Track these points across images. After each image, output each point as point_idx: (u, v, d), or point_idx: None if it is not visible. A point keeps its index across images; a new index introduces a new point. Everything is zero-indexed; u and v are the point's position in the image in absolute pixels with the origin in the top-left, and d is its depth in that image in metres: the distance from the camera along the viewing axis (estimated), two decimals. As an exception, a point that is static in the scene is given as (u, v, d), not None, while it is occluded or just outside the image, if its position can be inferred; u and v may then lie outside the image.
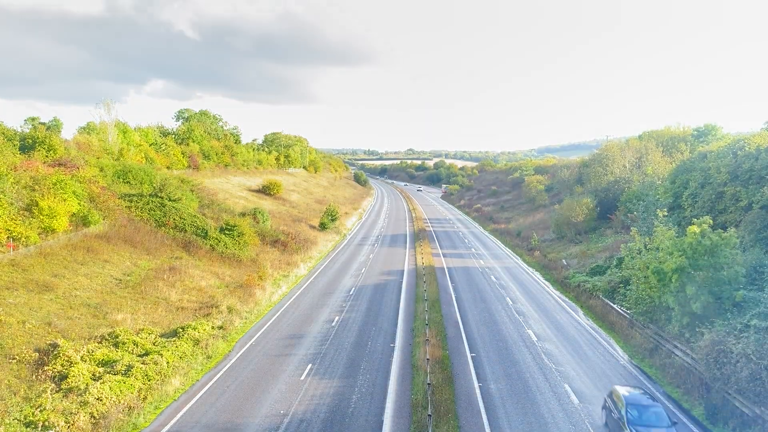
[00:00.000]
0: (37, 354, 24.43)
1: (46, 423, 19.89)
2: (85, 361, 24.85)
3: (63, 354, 24.37)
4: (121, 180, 55.50)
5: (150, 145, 78.55)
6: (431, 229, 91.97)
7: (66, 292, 31.45)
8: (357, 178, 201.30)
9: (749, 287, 27.27)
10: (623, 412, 20.79)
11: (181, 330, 30.74)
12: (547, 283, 51.10)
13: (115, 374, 24.08)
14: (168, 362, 26.26)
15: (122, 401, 22.23)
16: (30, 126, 77.54)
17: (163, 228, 48.32)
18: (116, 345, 27.41)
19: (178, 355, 27.43)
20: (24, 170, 40.37)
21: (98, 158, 57.99)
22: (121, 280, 36.32)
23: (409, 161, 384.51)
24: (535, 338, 33.62)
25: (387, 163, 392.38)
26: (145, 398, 23.26)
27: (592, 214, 69.14)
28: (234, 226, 52.62)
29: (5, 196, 34.98)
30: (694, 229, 28.64)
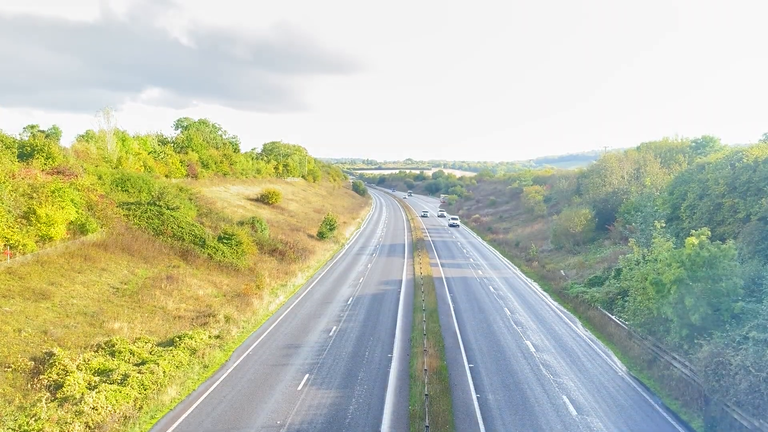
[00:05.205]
0: (33, 363, 24.28)
1: (41, 432, 19.73)
2: (81, 370, 24.71)
3: (59, 363, 24.22)
4: (120, 188, 55.45)
5: (148, 154, 78.55)
6: (429, 238, 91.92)
7: (62, 301, 31.32)
8: (356, 188, 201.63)
9: (748, 299, 27.23)
10: None
11: (177, 339, 30.60)
12: (545, 293, 51.02)
13: (111, 383, 23.94)
14: (164, 372, 26.12)
15: (118, 411, 22.09)
16: (29, 134, 77.52)
17: (160, 236, 48.23)
18: (112, 354, 27.28)
19: (174, 364, 27.29)
20: (22, 178, 40.33)
21: (97, 166, 57.95)
22: (118, 288, 36.20)
23: (407, 171, 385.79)
24: (533, 349, 33.52)
25: (386, 172, 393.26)
26: (141, 408, 23.12)
27: (591, 225, 69.17)
28: (232, 235, 52.55)
29: (3, 203, 34.91)
30: (693, 240, 28.64)
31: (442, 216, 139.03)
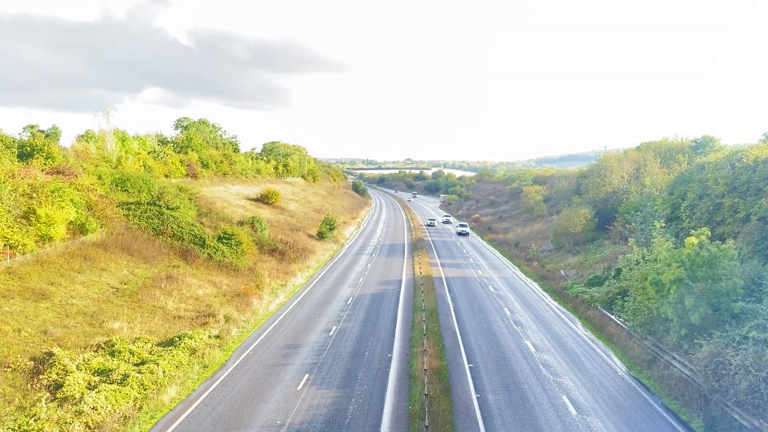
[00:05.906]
0: (33, 363, 24.27)
1: (41, 432, 19.72)
2: (81, 370, 24.69)
3: (58, 363, 24.21)
4: (120, 188, 55.43)
5: (148, 154, 78.52)
6: (429, 238, 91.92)
7: (62, 301, 31.31)
8: (355, 188, 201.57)
9: (747, 299, 27.26)
10: None
11: (177, 339, 30.59)
12: (545, 293, 51.03)
13: (110, 383, 23.92)
14: (164, 371, 26.11)
15: (118, 411, 22.07)
16: (29, 134, 77.54)
17: (160, 236, 48.21)
18: (112, 354, 27.27)
19: (174, 364, 27.28)
20: (22, 178, 40.31)
21: (96, 166, 57.91)
22: (117, 288, 36.19)
23: (407, 171, 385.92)
24: (533, 349, 33.52)
25: (386, 172, 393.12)
26: (140, 408, 23.11)
27: (591, 225, 69.19)
28: (232, 235, 52.52)
29: (2, 203, 34.90)
30: (693, 240, 28.65)
31: (447, 222, 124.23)
